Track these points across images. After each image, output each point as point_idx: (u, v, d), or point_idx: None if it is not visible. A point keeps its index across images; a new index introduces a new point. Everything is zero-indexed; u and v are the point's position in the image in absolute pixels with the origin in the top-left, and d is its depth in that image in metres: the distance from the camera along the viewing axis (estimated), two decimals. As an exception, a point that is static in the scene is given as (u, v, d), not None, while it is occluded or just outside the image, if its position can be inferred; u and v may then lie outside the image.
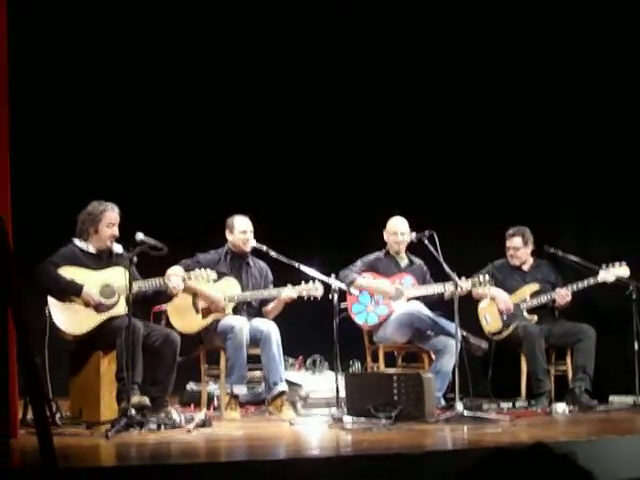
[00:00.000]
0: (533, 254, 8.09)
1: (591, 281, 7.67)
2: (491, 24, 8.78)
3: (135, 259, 6.14)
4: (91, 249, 6.59)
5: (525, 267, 8.09)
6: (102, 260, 6.58)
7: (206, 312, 7.17)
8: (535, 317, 7.81)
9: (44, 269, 6.40)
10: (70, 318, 6.38)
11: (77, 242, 6.60)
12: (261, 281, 7.49)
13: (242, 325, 7.03)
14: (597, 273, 7.63)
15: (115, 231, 6.54)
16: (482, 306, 7.90)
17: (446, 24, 8.93)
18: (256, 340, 7.09)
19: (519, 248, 8.01)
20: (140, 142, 8.98)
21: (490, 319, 7.87)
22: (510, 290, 7.94)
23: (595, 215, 8.50)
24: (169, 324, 7.09)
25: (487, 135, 9.10)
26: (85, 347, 6.45)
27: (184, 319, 7.14)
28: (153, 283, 6.58)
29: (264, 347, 7.05)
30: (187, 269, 7.16)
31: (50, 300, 6.37)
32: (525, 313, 7.83)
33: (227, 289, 7.25)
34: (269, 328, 7.09)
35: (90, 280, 6.43)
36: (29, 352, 3.25)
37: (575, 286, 7.75)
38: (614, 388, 7.79)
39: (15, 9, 5.54)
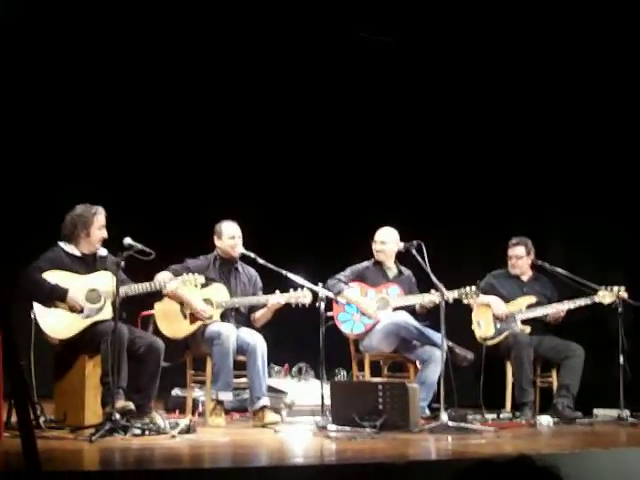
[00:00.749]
0: (532, 267, 8.13)
1: (588, 301, 7.70)
2: (485, 44, 8.84)
3: (123, 263, 6.13)
4: (77, 252, 6.56)
5: (524, 278, 8.14)
6: (88, 264, 6.55)
7: (194, 318, 7.16)
8: (528, 328, 7.84)
9: (29, 274, 6.37)
10: (55, 322, 6.35)
11: (63, 245, 6.57)
12: (250, 287, 7.49)
13: (229, 332, 7.02)
14: (594, 292, 7.65)
15: (105, 234, 6.53)
16: (476, 311, 7.93)
17: (442, 40, 8.96)
18: (242, 350, 7.09)
19: (521, 257, 8.06)
20: (127, 146, 8.96)
21: (483, 324, 7.90)
22: (507, 299, 7.99)
23: (580, 227, 8.54)
24: (156, 329, 7.08)
25: (480, 148, 9.16)
26: (70, 351, 6.43)
27: (171, 324, 7.14)
28: (143, 287, 6.59)
29: (249, 360, 7.04)
30: (176, 275, 7.17)
31: (35, 304, 6.35)
32: (519, 323, 7.85)
33: (215, 295, 7.24)
34: (255, 341, 7.08)
35: (76, 284, 6.41)
36: (14, 355, 3.24)
37: (572, 304, 7.78)
38: (599, 402, 7.81)
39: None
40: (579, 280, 7.64)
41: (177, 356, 7.11)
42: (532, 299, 7.99)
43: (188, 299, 7.12)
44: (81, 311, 6.36)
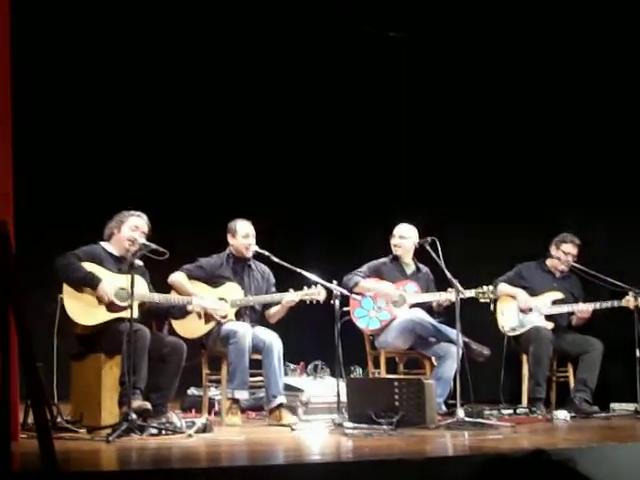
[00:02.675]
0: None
1: (615, 303, 7.66)
2: (491, 25, 8.80)
3: (136, 263, 6.17)
4: (115, 252, 6.65)
5: (557, 273, 8.10)
6: (122, 266, 6.56)
7: (208, 317, 7.16)
8: (551, 324, 7.82)
9: (66, 257, 6.44)
10: (81, 308, 6.40)
11: (102, 244, 6.69)
12: (263, 284, 7.49)
13: (245, 331, 7.02)
14: (622, 296, 7.60)
15: (136, 235, 6.55)
16: (501, 301, 7.93)
17: (446, 22, 8.94)
18: (258, 349, 7.09)
19: (575, 256, 8.01)
20: (142, 147, 9.01)
21: (507, 315, 7.89)
22: (535, 292, 7.97)
23: (596, 220, 8.49)
24: (172, 329, 7.08)
25: (494, 142, 9.14)
26: (88, 349, 6.47)
27: (187, 324, 7.13)
28: (171, 299, 6.76)
29: (266, 358, 7.04)
30: (190, 275, 7.19)
31: (65, 288, 6.40)
32: (542, 318, 7.83)
33: (230, 294, 7.25)
34: (271, 339, 7.08)
35: (107, 280, 6.46)
36: (30, 355, 3.25)
37: (598, 305, 7.75)
38: (616, 396, 7.78)
39: (22, 13, 5.56)
40: (610, 280, 7.56)
41: (193, 356, 7.10)
42: (559, 295, 7.96)
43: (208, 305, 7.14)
44: (108, 305, 6.40)
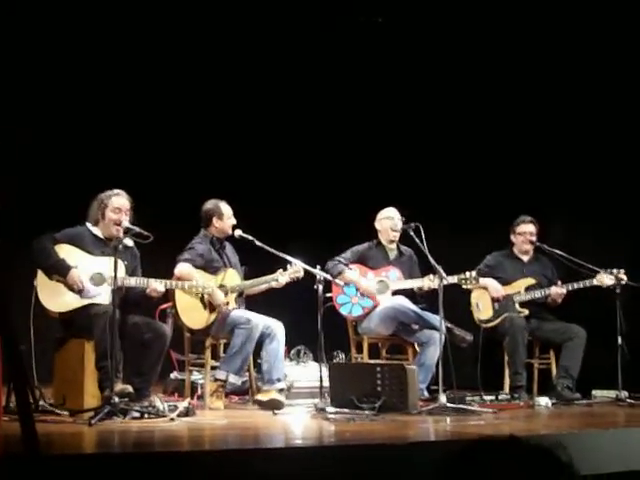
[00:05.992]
0: (533, 248, 8.12)
1: (587, 283, 7.68)
2: (489, 24, 8.80)
3: (120, 247, 6.15)
4: (100, 235, 6.60)
5: (525, 258, 8.12)
6: (108, 249, 6.51)
7: (212, 306, 7.10)
8: (526, 311, 7.83)
9: (39, 242, 6.39)
10: (52, 296, 6.36)
11: (89, 226, 6.62)
12: (236, 260, 7.49)
13: (258, 321, 7.00)
14: (594, 275, 7.63)
15: (120, 217, 6.47)
16: (475, 293, 7.93)
17: (443, 21, 8.93)
18: (260, 335, 7.08)
19: (534, 234, 8.03)
20: (130, 133, 8.99)
21: (482, 306, 7.90)
22: (507, 281, 7.97)
23: (580, 211, 8.52)
24: (176, 322, 7.06)
25: (478, 133, 9.15)
26: (69, 334, 6.44)
27: (193, 315, 7.06)
28: (137, 282, 6.57)
29: (271, 343, 7.01)
30: (194, 264, 7.12)
31: (40, 273, 6.37)
32: (517, 306, 7.85)
33: (229, 280, 7.21)
34: (276, 326, 7.07)
35: (84, 264, 6.41)
36: (13, 338, 3.24)
37: (571, 286, 7.77)
38: (597, 383, 7.82)
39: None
40: (579, 262, 7.62)
41: (201, 348, 7.13)
42: (531, 281, 7.97)
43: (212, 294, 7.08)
44: (79, 291, 6.36)
